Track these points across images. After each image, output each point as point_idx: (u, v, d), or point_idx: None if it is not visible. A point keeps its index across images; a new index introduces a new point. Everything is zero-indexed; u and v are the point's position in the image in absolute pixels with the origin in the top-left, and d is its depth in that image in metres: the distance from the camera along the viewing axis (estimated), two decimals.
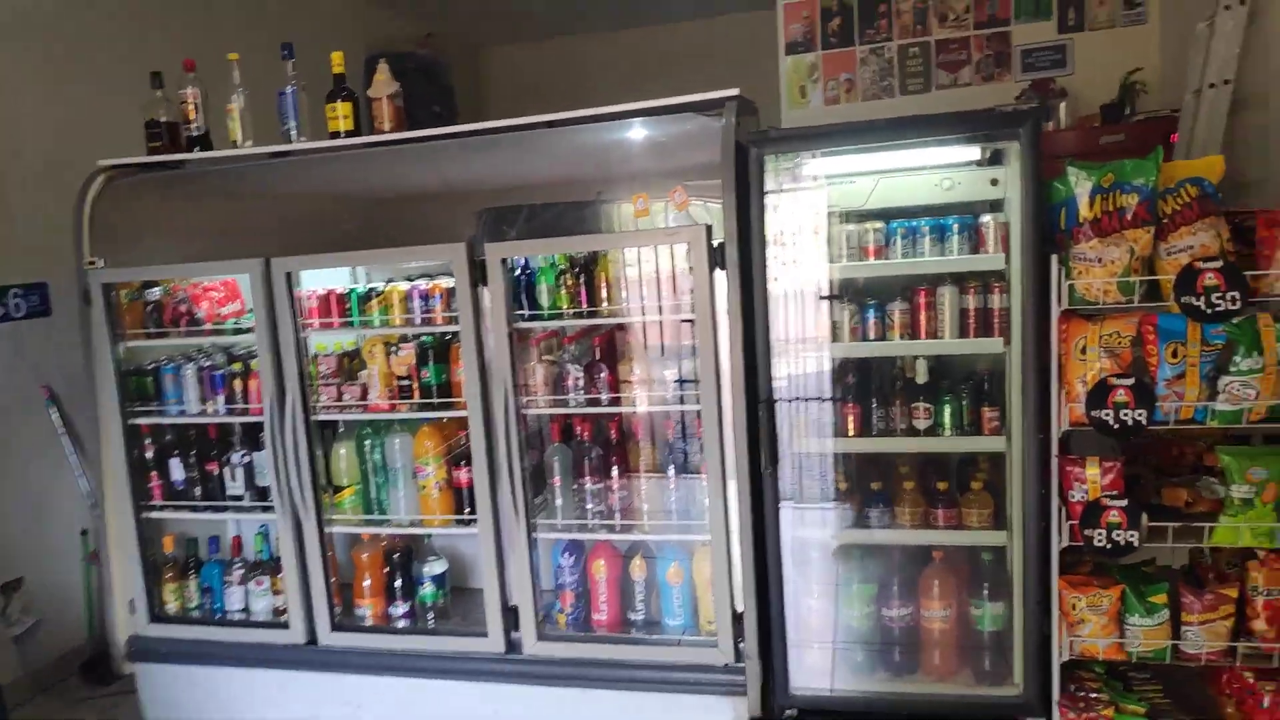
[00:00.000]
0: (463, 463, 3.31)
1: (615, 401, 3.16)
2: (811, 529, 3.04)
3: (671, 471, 3.15)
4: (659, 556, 3.21)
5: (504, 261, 3.06)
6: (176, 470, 3.67)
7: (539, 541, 3.23)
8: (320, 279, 3.49)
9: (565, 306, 3.16)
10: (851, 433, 3.01)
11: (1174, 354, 2.57)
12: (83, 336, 3.56)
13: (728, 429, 2.92)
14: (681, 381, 3.11)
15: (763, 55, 6.37)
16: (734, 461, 2.93)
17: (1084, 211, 2.64)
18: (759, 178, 2.83)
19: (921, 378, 2.96)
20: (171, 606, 3.70)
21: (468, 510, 3.33)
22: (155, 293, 3.59)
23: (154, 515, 3.67)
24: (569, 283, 3.16)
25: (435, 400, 3.31)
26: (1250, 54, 4.27)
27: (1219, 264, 2.51)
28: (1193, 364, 2.56)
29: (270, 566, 3.62)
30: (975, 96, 5.93)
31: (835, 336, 2.98)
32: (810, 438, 3.00)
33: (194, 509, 3.65)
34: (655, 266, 3.10)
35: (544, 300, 3.17)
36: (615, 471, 3.19)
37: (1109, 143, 5.03)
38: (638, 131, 3.07)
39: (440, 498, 3.35)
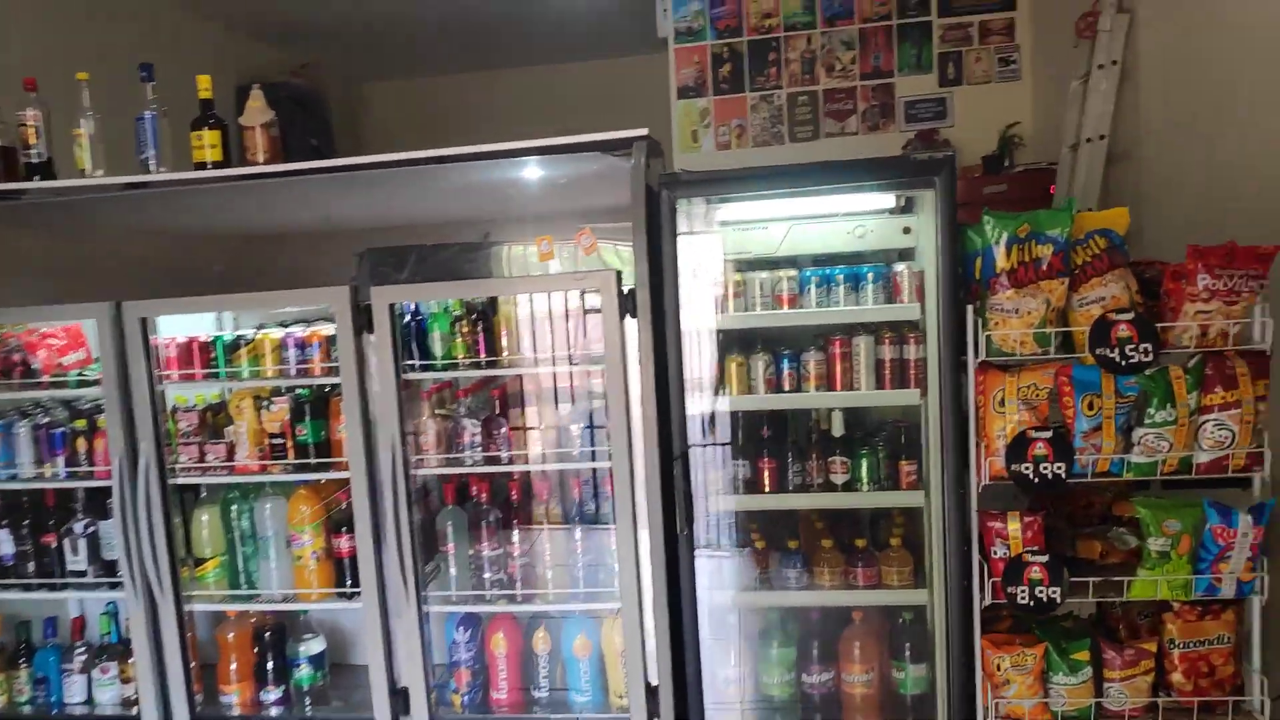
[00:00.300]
0: (344, 529, 3.00)
1: (516, 459, 2.92)
2: (728, 591, 2.86)
3: (578, 535, 2.92)
4: (564, 627, 2.97)
5: (392, 307, 2.80)
6: (5, 543, 3.20)
7: (431, 615, 2.94)
8: (181, 325, 3.13)
9: (461, 356, 2.92)
10: (767, 488, 2.86)
11: (1090, 406, 2.54)
12: None
13: (639, 487, 2.73)
14: (591, 433, 2.90)
15: (654, 99, 6.31)
16: (645, 521, 2.73)
17: (1001, 262, 2.60)
18: (671, 221, 2.68)
19: (838, 430, 2.85)
20: None
21: (349, 583, 3.01)
22: None
23: None
24: (465, 330, 2.93)
25: (313, 460, 2.99)
26: (1121, 110, 4.45)
27: (1130, 315, 2.50)
28: (1108, 416, 2.54)
29: (119, 650, 3.19)
30: (862, 145, 6.01)
31: (748, 388, 2.84)
32: (724, 494, 2.84)
33: (26, 587, 3.18)
34: (560, 311, 2.90)
35: (437, 349, 2.92)
36: (516, 536, 2.95)
37: (992, 193, 5.16)
38: (540, 170, 2.88)
39: (318, 569, 3.02)
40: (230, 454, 3.04)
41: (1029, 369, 2.61)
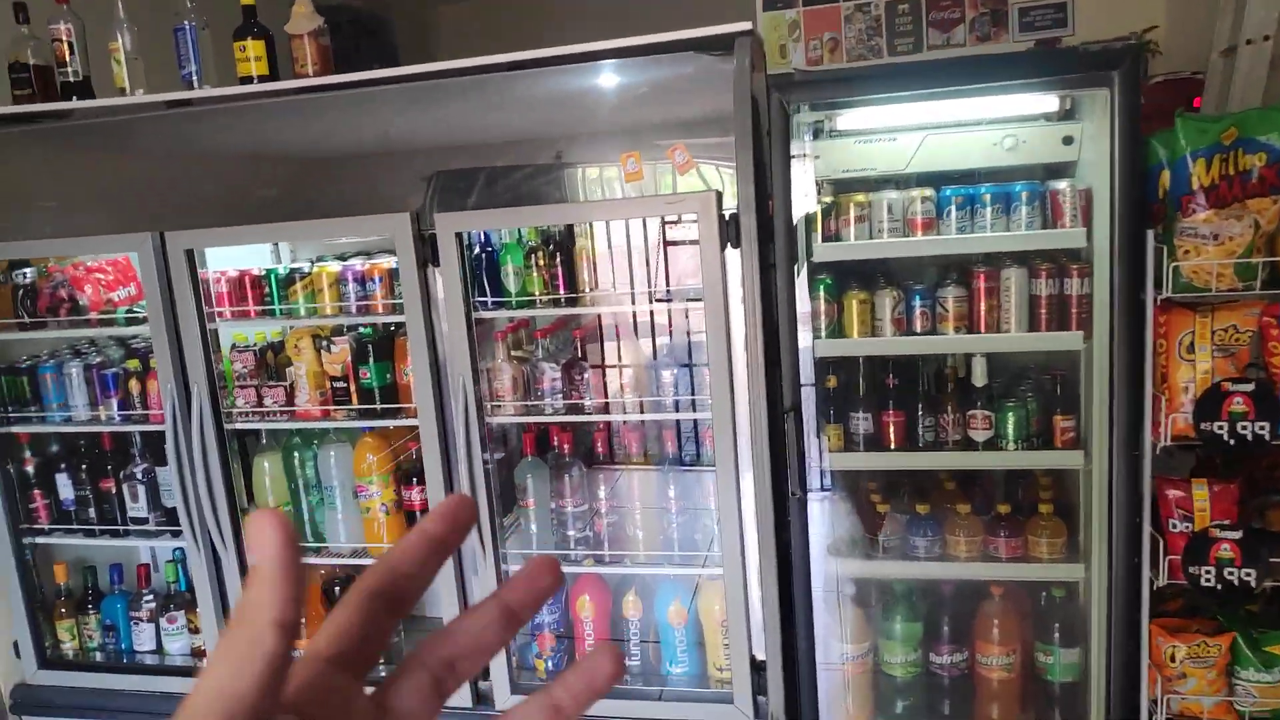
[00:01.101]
0: (414, 480, 2.72)
1: (601, 408, 2.58)
2: (845, 560, 2.51)
3: (671, 491, 2.59)
4: (657, 591, 2.67)
5: (459, 237, 2.45)
6: (65, 487, 3.03)
7: (510, 574, 2.67)
8: (233, 258, 2.84)
9: (537, 292, 2.57)
10: (893, 444, 2.47)
11: None
12: None
13: (744, 442, 2.37)
14: (690, 377, 2.53)
15: (740, 13, 5.69)
16: (751, 480, 2.38)
17: (1198, 176, 2.10)
18: (784, 132, 2.24)
19: (979, 379, 2.42)
20: (68, 647, 3.08)
21: None
22: (27, 274, 2.91)
23: (40, 541, 3.03)
24: (541, 262, 2.57)
25: (378, 405, 2.70)
26: None
27: None
28: None
29: (187, 599, 3.02)
30: None
31: (871, 329, 2.42)
32: (841, 451, 2.46)
33: (88, 533, 3.02)
34: (648, 242, 2.51)
35: (510, 284, 2.57)
36: (602, 490, 2.63)
37: None
38: (623, 75, 2.44)
39: (387, 522, 2.76)
40: (290, 398, 2.77)
41: (1226, 308, 2.13)
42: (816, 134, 2.41)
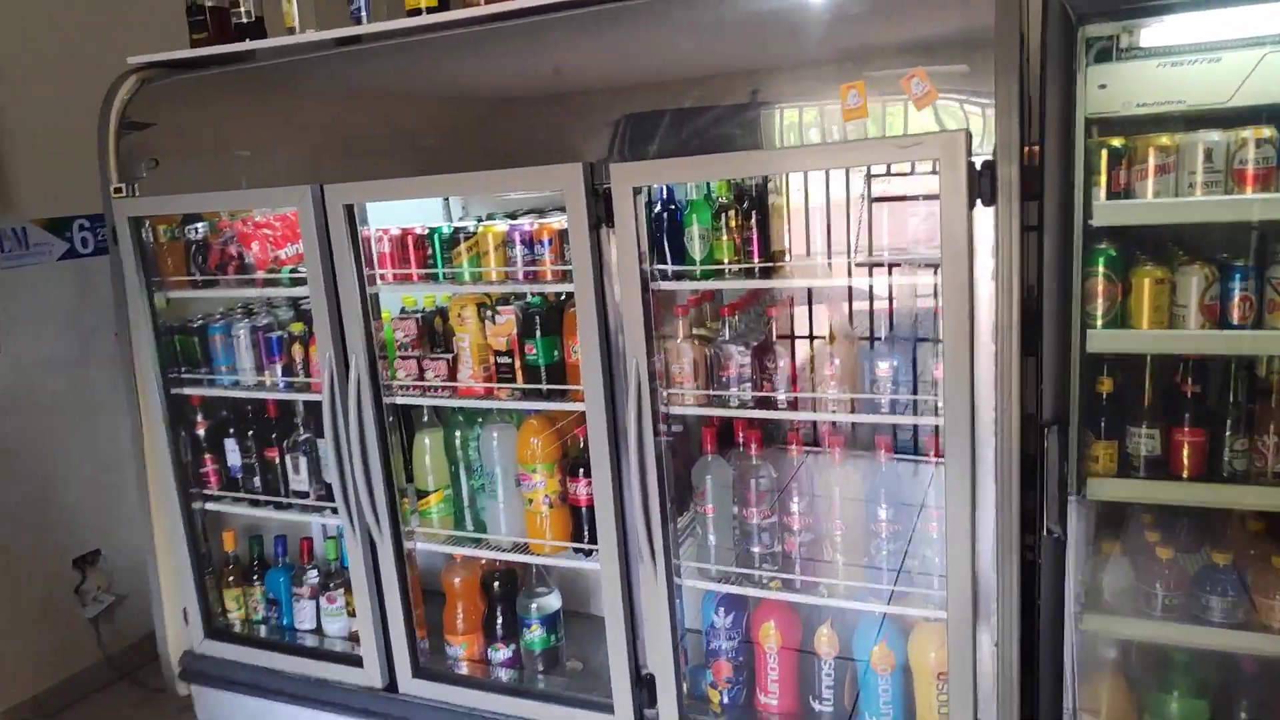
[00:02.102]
0: (580, 472, 2.38)
1: (799, 403, 2.13)
2: (1106, 618, 1.95)
3: (883, 512, 2.10)
4: (858, 627, 2.20)
5: (637, 192, 2.06)
6: (233, 453, 2.92)
7: (683, 588, 2.29)
8: (396, 214, 2.58)
9: (727, 259, 2.14)
10: (1187, 471, 1.87)
11: None
12: (113, 284, 2.82)
13: (985, 458, 1.85)
14: (913, 373, 2.04)
15: None
16: (990, 506, 1.87)
17: None
18: (1065, 51, 1.68)
19: None
20: (234, 615, 3.00)
21: (587, 536, 2.42)
22: (199, 229, 2.79)
23: (209, 507, 2.95)
24: (733, 223, 2.14)
25: (544, 386, 2.38)
26: None
27: None
28: None
29: (346, 579, 2.84)
30: None
31: (1168, 318, 1.83)
32: (1113, 477, 1.89)
33: (254, 503, 2.90)
34: (858, 199, 2.02)
35: (695, 250, 2.15)
36: (796, 502, 2.18)
37: None
38: None
39: (551, 517, 2.44)
40: (452, 372, 2.50)
41: None
42: (1101, 56, 1.83)
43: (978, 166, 1.76)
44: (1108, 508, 1.94)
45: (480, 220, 2.54)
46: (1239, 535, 1.96)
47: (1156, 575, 1.92)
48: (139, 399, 2.89)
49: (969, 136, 1.76)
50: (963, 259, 1.78)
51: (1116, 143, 1.81)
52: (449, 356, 2.50)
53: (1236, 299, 1.78)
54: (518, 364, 2.41)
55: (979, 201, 1.78)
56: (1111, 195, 1.81)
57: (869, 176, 2.21)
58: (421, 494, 2.64)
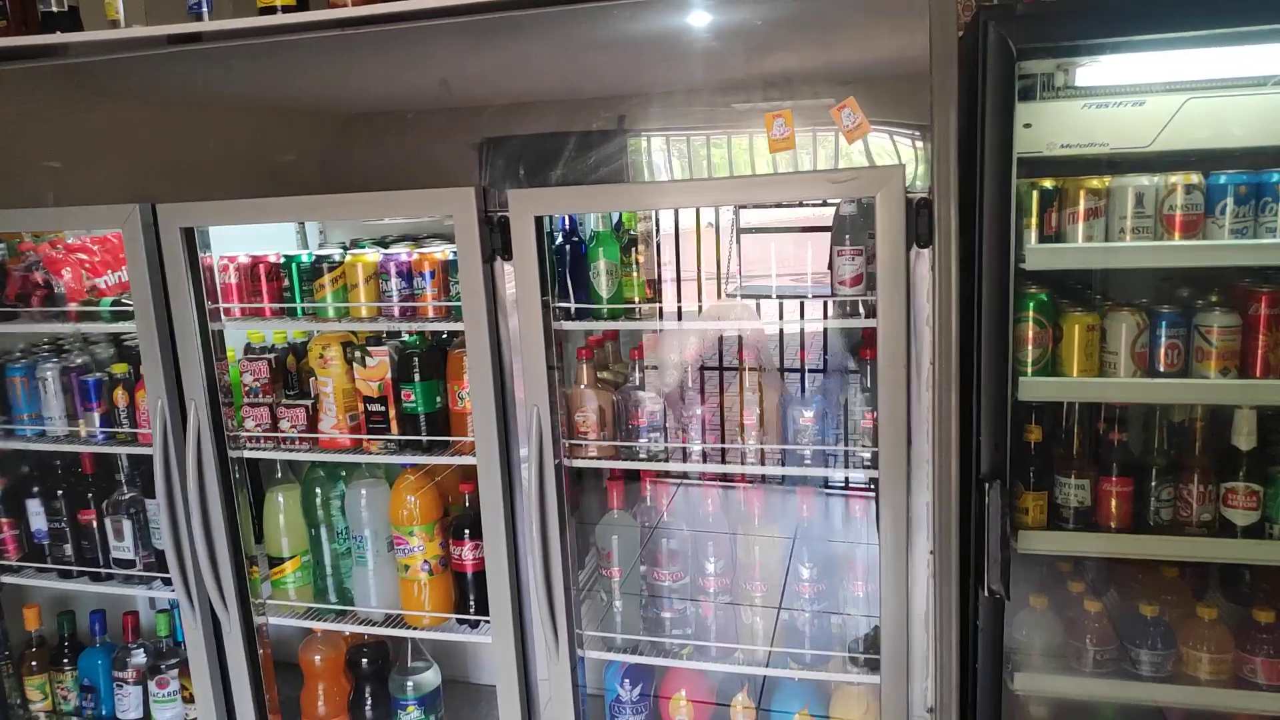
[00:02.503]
0: (466, 534, 2.12)
1: (722, 455, 1.95)
2: (1034, 676, 1.86)
3: (806, 570, 1.96)
4: (777, 693, 2.04)
5: (539, 223, 1.83)
6: (37, 516, 2.46)
7: (584, 660, 2.06)
8: (243, 240, 2.25)
9: (637, 298, 1.95)
10: (1114, 522, 1.82)
11: None
12: None
13: (918, 519, 1.73)
14: (842, 423, 1.90)
15: None
16: (922, 563, 1.76)
17: None
18: (1005, 85, 1.59)
19: (1246, 440, 1.76)
20: (37, 708, 2.53)
21: (474, 606, 2.15)
22: None
23: (5, 580, 2.48)
24: (640, 259, 1.95)
25: (424, 437, 2.10)
26: None
27: None
28: None
29: (181, 658, 2.44)
30: None
31: (1099, 365, 1.77)
32: (1043, 530, 1.82)
33: (64, 574, 2.45)
34: (793, 233, 1.88)
35: (603, 286, 1.95)
36: (712, 561, 2.01)
37: None
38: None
39: (431, 585, 2.16)
40: (312, 421, 2.18)
41: None
42: (1026, 94, 1.76)
43: (915, 202, 1.65)
44: (1037, 560, 1.87)
45: (345, 248, 2.24)
46: (1167, 585, 1.93)
47: (1086, 629, 1.86)
48: None
49: (903, 171, 1.65)
50: (899, 301, 1.66)
51: (1048, 184, 1.74)
52: (308, 403, 2.18)
53: (1164, 347, 1.74)
54: (392, 412, 2.12)
55: (915, 244, 1.66)
56: (1044, 239, 1.73)
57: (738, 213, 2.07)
58: (275, 561, 2.29)
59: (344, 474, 2.26)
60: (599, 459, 2.01)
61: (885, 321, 1.67)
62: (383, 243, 2.35)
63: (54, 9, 2.32)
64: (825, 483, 2.20)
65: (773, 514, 2.02)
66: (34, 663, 2.52)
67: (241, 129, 2.14)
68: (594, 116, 1.83)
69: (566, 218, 1.98)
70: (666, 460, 1.97)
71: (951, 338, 1.66)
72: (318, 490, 2.26)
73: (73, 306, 2.29)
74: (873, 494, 1.91)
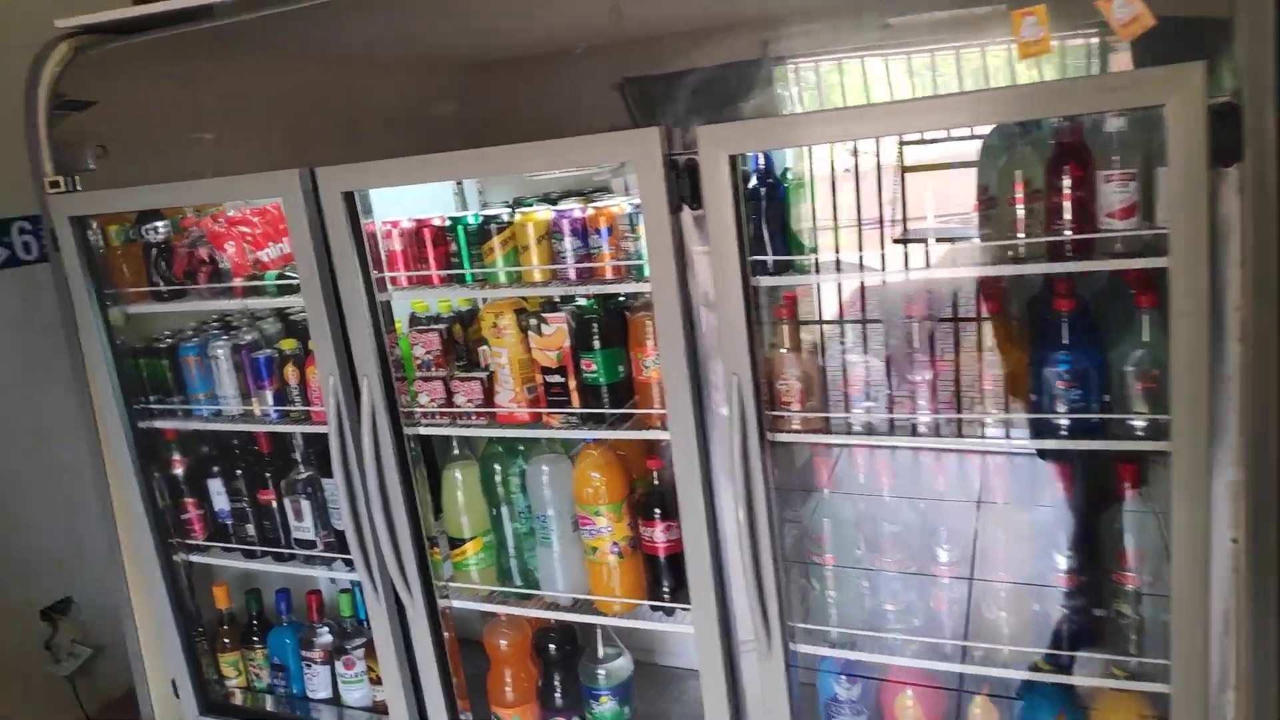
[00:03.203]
0: (657, 513, 1.92)
1: (955, 427, 1.67)
2: None
3: (1063, 561, 1.66)
4: (1027, 699, 1.77)
5: (734, 163, 1.58)
6: (219, 496, 2.44)
7: (798, 655, 1.84)
8: (402, 204, 2.09)
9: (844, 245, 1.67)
10: None
11: None
12: (58, 300, 2.31)
13: (1219, 496, 1.41)
14: (1101, 370, 1.58)
15: None
16: (1221, 557, 1.44)
17: None
18: None
19: None
20: (233, 684, 2.54)
21: (668, 591, 1.96)
22: (160, 229, 2.28)
23: (194, 559, 2.47)
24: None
25: (606, 410, 1.91)
26: None
27: None
28: None
29: (366, 638, 2.38)
30: None
31: None
32: None
33: (248, 554, 2.42)
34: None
35: (805, 234, 1.68)
36: (945, 550, 1.74)
37: None
38: None
39: (621, 568, 1.98)
40: (488, 395, 2.02)
41: None
42: None
43: (1219, 106, 1.30)
44: None
45: (510, 208, 2.04)
46: None
47: None
48: (100, 436, 2.40)
49: (1204, 69, 1.29)
50: (1201, 236, 1.32)
51: None
52: (483, 375, 2.02)
53: None
54: (572, 383, 1.93)
55: (1222, 164, 1.31)
56: None
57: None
58: (455, 542, 2.17)
59: (522, 449, 2.10)
60: (804, 432, 1.76)
61: (1182, 260, 1.34)
62: (548, 200, 2.15)
63: None
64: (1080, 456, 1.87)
65: (1019, 492, 1.72)
66: (226, 640, 2.52)
67: (391, 83, 1.98)
68: (786, 39, 1.55)
69: (761, 157, 1.71)
70: (891, 432, 1.70)
71: (1275, 276, 1.32)
72: (496, 467, 2.11)
73: (238, 282, 2.21)
74: (1148, 466, 1.58)
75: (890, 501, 1.74)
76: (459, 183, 2.44)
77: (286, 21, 2.10)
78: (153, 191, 2.11)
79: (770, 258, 1.71)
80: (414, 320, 2.14)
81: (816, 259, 1.68)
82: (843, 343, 1.74)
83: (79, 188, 2.20)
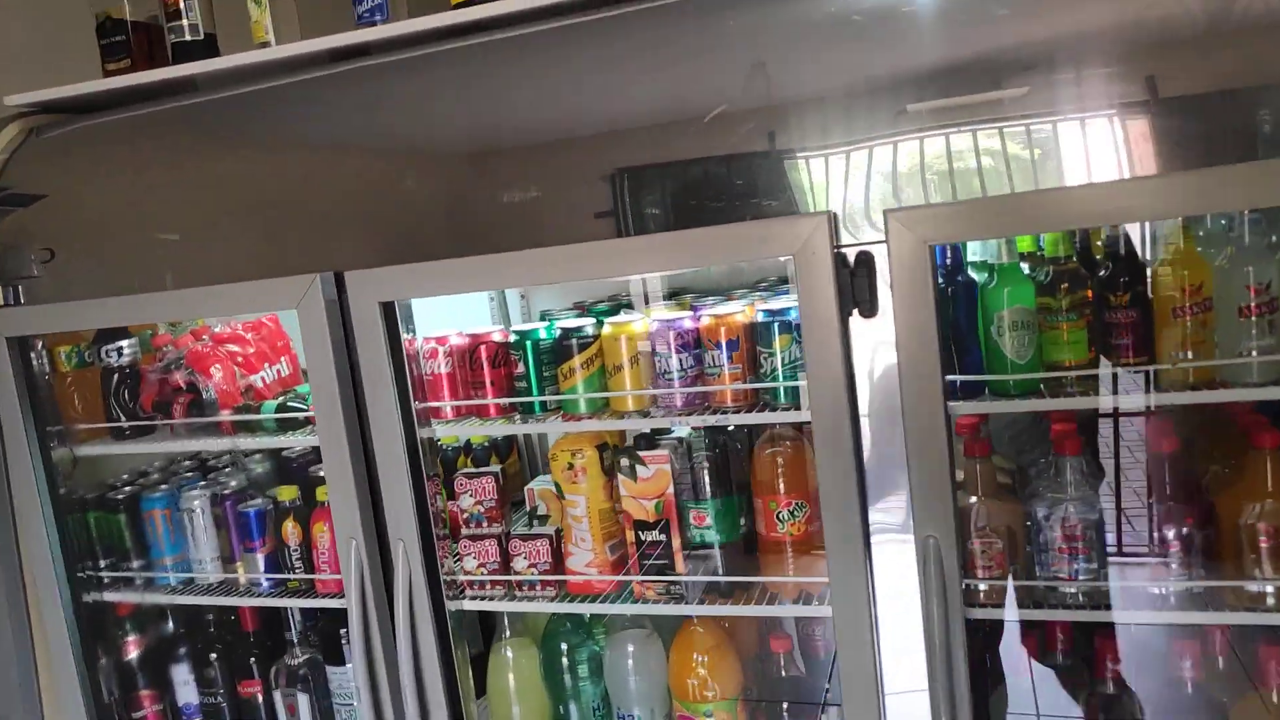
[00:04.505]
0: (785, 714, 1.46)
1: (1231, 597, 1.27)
2: None
3: None
4: None
5: (933, 254, 1.20)
6: (185, 687, 1.90)
7: None
8: (434, 316, 1.66)
9: (1070, 359, 1.29)
10: None
11: None
12: None
13: None
14: None
15: None
16: None
17: None
18: None
19: None
20: None
21: None
22: (124, 350, 1.80)
23: None
24: (1079, 299, 1.29)
25: (720, 577, 1.46)
26: None
27: None
28: None
29: None
30: None
31: None
32: None
33: None
34: None
35: (1008, 346, 1.30)
36: None
37: None
38: None
39: None
40: (557, 555, 1.56)
41: None
42: None
43: None
44: None
45: (597, 317, 1.61)
46: None
47: None
48: (29, 613, 1.86)
49: None
50: None
51: None
52: (551, 533, 1.56)
53: None
54: (675, 541, 1.49)
55: None
56: None
57: None
58: None
59: (598, 629, 1.63)
60: (998, 605, 1.34)
61: None
62: (621, 305, 1.75)
63: (187, 37, 1.82)
64: None
65: None
66: None
67: (439, 167, 1.58)
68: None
69: (946, 249, 1.34)
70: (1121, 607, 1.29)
71: None
72: (563, 645, 1.64)
73: (226, 415, 1.73)
74: None
75: (1127, 702, 1.31)
76: (501, 294, 2.00)
77: (289, 94, 1.72)
78: (121, 305, 1.64)
79: (958, 376, 1.32)
80: (464, 466, 1.68)
81: (1017, 379, 1.29)
82: (1051, 488, 1.33)
83: (21, 300, 1.74)
